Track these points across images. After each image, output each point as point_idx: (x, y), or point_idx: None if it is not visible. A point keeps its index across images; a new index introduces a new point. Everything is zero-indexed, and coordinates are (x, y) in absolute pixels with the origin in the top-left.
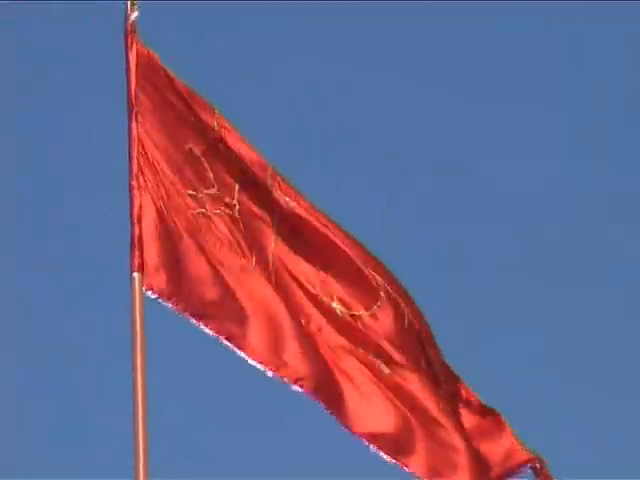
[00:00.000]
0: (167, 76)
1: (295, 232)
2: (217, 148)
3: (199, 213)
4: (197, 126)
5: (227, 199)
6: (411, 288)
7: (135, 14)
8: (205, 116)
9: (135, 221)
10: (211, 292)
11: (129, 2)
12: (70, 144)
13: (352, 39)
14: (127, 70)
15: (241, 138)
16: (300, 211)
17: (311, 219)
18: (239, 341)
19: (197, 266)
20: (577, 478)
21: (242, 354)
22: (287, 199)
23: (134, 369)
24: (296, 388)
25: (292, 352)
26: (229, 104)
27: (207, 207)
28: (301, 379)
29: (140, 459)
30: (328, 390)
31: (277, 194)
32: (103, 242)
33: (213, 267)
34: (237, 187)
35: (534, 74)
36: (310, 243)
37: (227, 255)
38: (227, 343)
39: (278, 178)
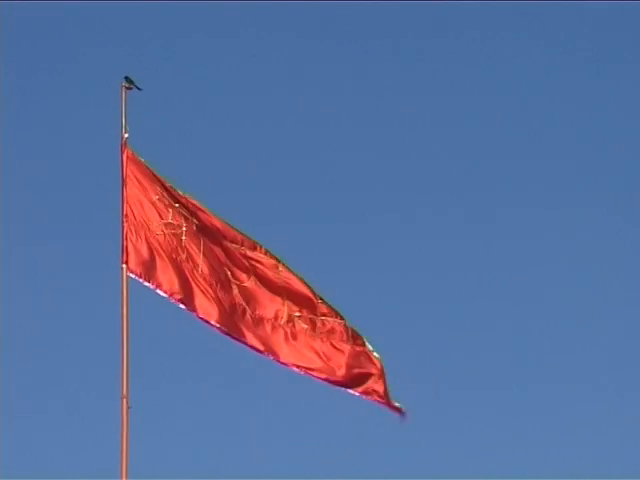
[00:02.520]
0: (142, 166)
1: (210, 238)
2: (170, 200)
3: (161, 233)
4: (159, 188)
5: (177, 223)
6: None
7: (126, 135)
8: (161, 184)
9: (125, 237)
10: (169, 273)
11: (122, 126)
12: (90, 198)
13: None
14: (121, 162)
15: (183, 195)
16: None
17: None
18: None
19: (159, 258)
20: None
21: (184, 307)
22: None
23: (121, 320)
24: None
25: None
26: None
27: (165, 230)
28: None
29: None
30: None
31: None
32: (107, 247)
33: (169, 258)
34: (184, 222)
35: None
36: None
37: (177, 252)
38: (178, 304)
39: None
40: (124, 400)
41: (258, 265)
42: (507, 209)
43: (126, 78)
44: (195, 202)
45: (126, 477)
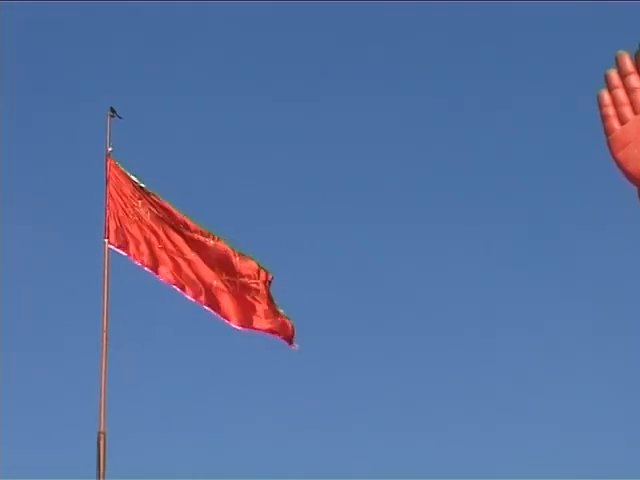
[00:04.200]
0: (120, 170)
1: (168, 224)
2: (140, 195)
3: (134, 218)
4: (131, 186)
5: (143, 211)
6: None
7: (110, 148)
8: (133, 183)
9: (107, 219)
10: (141, 246)
11: (107, 143)
12: (80, 196)
13: None
14: (105, 168)
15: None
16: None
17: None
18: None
19: (129, 235)
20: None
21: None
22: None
23: (103, 279)
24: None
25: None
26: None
27: (137, 216)
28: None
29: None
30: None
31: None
32: (93, 227)
33: (138, 234)
34: (148, 211)
35: None
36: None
37: (144, 231)
38: (149, 271)
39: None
40: (104, 334)
41: (201, 245)
42: None
43: (111, 108)
44: (158, 198)
45: (104, 405)
